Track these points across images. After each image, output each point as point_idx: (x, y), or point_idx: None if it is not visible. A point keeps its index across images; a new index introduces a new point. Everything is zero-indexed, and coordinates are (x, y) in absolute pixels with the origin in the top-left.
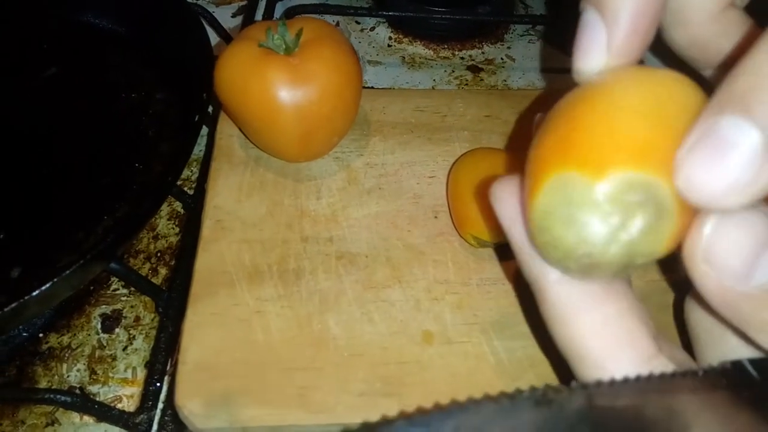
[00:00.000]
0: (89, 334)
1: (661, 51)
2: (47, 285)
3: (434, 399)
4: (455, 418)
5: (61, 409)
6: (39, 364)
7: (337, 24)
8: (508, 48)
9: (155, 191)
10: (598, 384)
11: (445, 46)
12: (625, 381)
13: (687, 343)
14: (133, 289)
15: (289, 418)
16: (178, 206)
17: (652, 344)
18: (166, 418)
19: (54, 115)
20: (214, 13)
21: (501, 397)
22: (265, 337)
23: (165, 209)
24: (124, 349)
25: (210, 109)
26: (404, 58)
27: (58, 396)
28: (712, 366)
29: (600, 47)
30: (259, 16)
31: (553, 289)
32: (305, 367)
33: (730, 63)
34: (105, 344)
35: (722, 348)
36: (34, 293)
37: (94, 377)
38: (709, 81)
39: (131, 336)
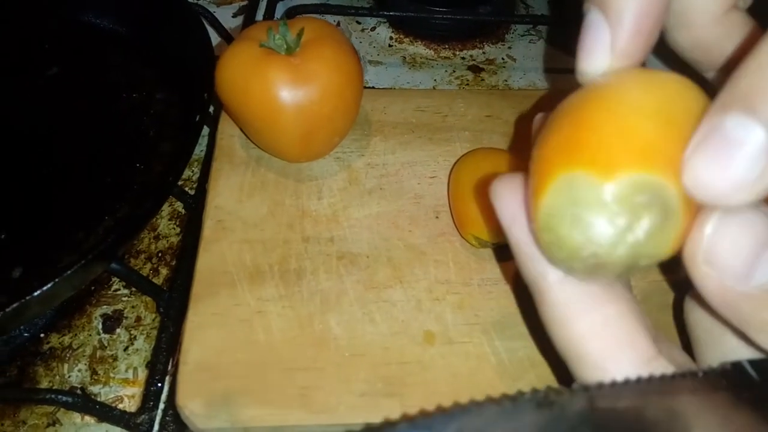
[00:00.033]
0: (90, 335)
1: (664, 53)
2: (48, 285)
3: (436, 399)
4: (457, 421)
5: (62, 409)
6: (40, 364)
7: (338, 24)
8: (509, 48)
9: (156, 191)
10: (599, 386)
11: (446, 46)
12: (626, 383)
13: (687, 343)
14: (134, 289)
15: (290, 418)
16: (179, 206)
17: (651, 346)
18: (167, 418)
19: (55, 114)
20: (215, 13)
21: (503, 399)
22: (267, 338)
23: (166, 209)
24: (125, 349)
25: (211, 109)
26: (405, 58)
27: (60, 396)
28: (712, 367)
29: (604, 48)
30: (260, 16)
31: (552, 290)
32: (306, 368)
33: (731, 65)
34: (106, 344)
35: (722, 348)
36: (36, 293)
37: (96, 377)
38: (711, 83)
39: (132, 336)
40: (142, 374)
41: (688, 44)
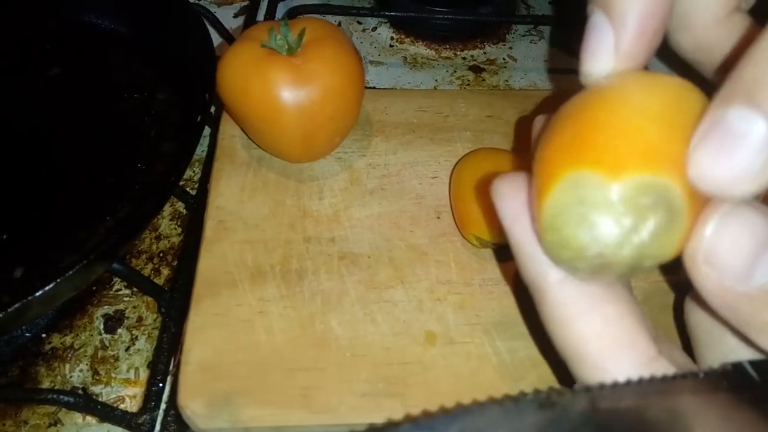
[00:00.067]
0: (92, 335)
1: (665, 55)
2: (50, 285)
3: (437, 399)
4: (460, 421)
5: (63, 409)
6: (42, 364)
7: (339, 24)
8: (510, 48)
9: (157, 192)
10: (601, 386)
11: (447, 47)
12: (627, 383)
13: (687, 344)
14: (135, 289)
15: (291, 418)
16: (180, 207)
17: (652, 346)
18: (168, 418)
19: (56, 115)
20: (216, 14)
21: (505, 399)
22: (268, 338)
23: (167, 210)
24: (127, 349)
25: (212, 109)
26: (406, 58)
27: (61, 396)
28: (713, 368)
29: (608, 50)
30: (261, 16)
31: (553, 290)
32: (308, 368)
33: (729, 64)
34: (108, 345)
35: (721, 349)
36: (37, 294)
37: (97, 377)
38: (714, 85)
39: (134, 336)
40: (144, 374)
41: (690, 46)
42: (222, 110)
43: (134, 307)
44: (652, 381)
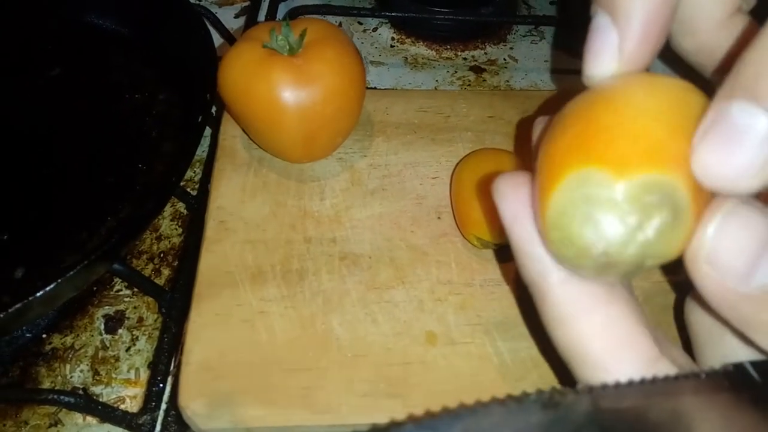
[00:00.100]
0: (92, 335)
1: (667, 56)
2: (51, 286)
3: (438, 400)
4: (463, 421)
5: (64, 409)
6: (42, 364)
7: (340, 24)
8: (511, 49)
9: (158, 192)
10: (604, 386)
11: (448, 47)
12: (630, 383)
13: (687, 343)
14: (136, 289)
15: (292, 418)
16: (181, 207)
17: (653, 347)
18: (169, 418)
19: (57, 115)
20: (217, 14)
21: (508, 399)
22: (269, 338)
23: (168, 210)
24: (127, 349)
25: (213, 109)
26: (407, 58)
27: (62, 397)
28: (715, 368)
29: (611, 52)
30: (262, 16)
31: (554, 290)
32: (309, 368)
33: (727, 63)
34: (108, 345)
35: (721, 349)
36: (38, 294)
37: (97, 378)
38: (716, 87)
39: (134, 337)
40: (144, 375)
41: (693, 49)
42: (223, 110)
43: (135, 307)
44: (654, 381)
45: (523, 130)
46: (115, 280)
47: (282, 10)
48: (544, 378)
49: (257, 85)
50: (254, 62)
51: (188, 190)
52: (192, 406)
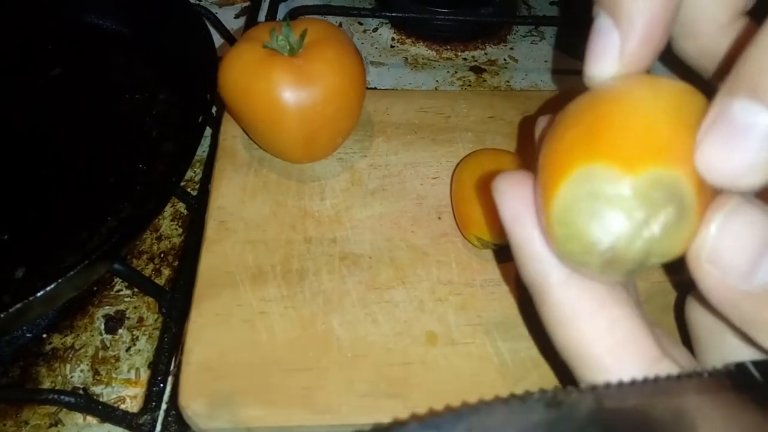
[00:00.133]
0: (92, 335)
1: (667, 58)
2: (51, 286)
3: (438, 400)
4: (466, 420)
5: (64, 409)
6: (42, 364)
7: (340, 25)
8: (511, 49)
9: (159, 192)
10: (607, 386)
11: (448, 47)
12: (633, 383)
13: (687, 343)
14: (136, 289)
15: (293, 418)
16: (181, 207)
17: (656, 347)
18: (169, 418)
19: (58, 115)
20: (217, 14)
21: (511, 398)
22: (269, 338)
23: (168, 210)
24: (128, 349)
25: (213, 109)
26: (407, 59)
27: (62, 396)
28: (717, 368)
29: (613, 54)
30: (262, 17)
31: (554, 291)
32: (309, 368)
33: (726, 63)
34: (108, 345)
35: (722, 348)
36: (39, 294)
37: (98, 378)
38: (716, 89)
39: (134, 337)
40: (145, 375)
41: (695, 52)
42: (223, 111)
43: (135, 307)
44: (657, 381)
45: (524, 129)
46: (116, 280)
47: (282, 11)
48: (544, 378)
49: (257, 85)
50: (254, 62)
51: (188, 190)
52: (192, 406)
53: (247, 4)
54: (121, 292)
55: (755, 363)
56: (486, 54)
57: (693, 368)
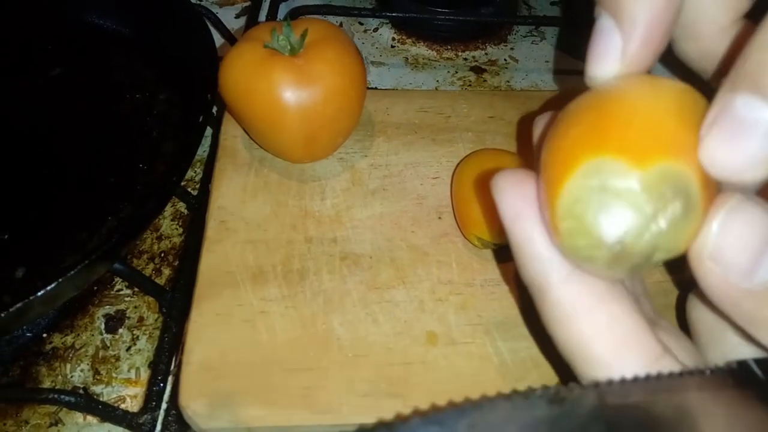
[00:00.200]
0: (93, 335)
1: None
2: (51, 285)
3: (439, 400)
4: (470, 416)
5: (64, 409)
6: (43, 364)
7: (341, 25)
8: (512, 49)
9: (159, 192)
10: (610, 383)
11: (449, 47)
12: (635, 380)
13: None
14: (136, 289)
15: (293, 418)
16: (181, 207)
17: (657, 344)
18: (169, 418)
19: (58, 115)
20: (217, 14)
21: (514, 395)
22: (270, 338)
23: (169, 210)
24: (128, 349)
25: (214, 109)
26: (407, 59)
27: (62, 396)
28: (719, 366)
29: (614, 54)
30: (262, 17)
31: (555, 289)
32: (309, 368)
33: (725, 64)
34: (108, 344)
35: (724, 346)
36: (39, 294)
37: (98, 377)
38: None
39: (135, 336)
40: (145, 374)
41: (696, 54)
42: (224, 110)
43: (135, 307)
44: (660, 378)
45: (524, 129)
46: (116, 279)
47: (283, 11)
48: (545, 378)
49: (258, 85)
50: (255, 62)
51: (189, 190)
52: (192, 405)
53: (247, 3)
54: (121, 292)
55: (757, 360)
56: (486, 54)
57: (695, 365)
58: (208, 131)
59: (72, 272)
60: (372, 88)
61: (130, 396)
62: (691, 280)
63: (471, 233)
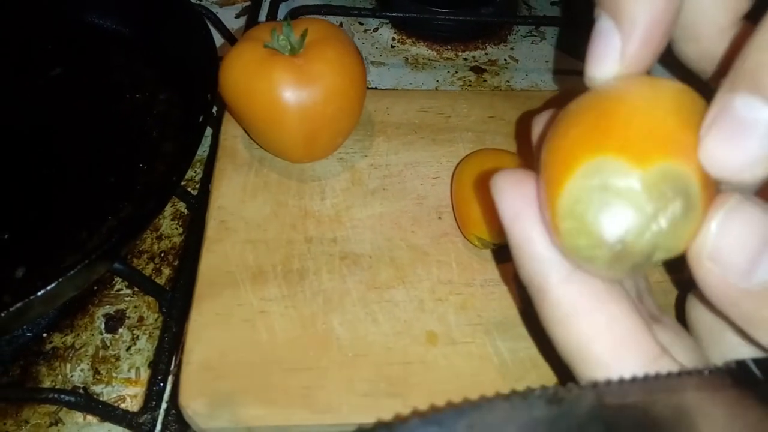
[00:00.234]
0: (93, 334)
1: (667, 60)
2: (52, 285)
3: (438, 399)
4: (468, 416)
5: (64, 408)
6: (43, 364)
7: (341, 25)
8: (511, 49)
9: (159, 191)
10: (608, 383)
11: (449, 47)
12: (633, 380)
13: None
14: (136, 289)
15: (293, 418)
16: (181, 207)
17: (655, 344)
18: (169, 418)
19: (58, 115)
20: (217, 14)
21: (512, 395)
22: (269, 337)
23: (169, 210)
24: (128, 349)
25: (214, 109)
26: (407, 59)
27: (62, 396)
28: (718, 366)
29: (614, 55)
30: (262, 17)
31: (554, 290)
32: (309, 367)
33: (724, 64)
34: (108, 344)
35: (722, 346)
36: (39, 293)
37: (98, 377)
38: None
39: (135, 336)
40: (145, 374)
41: (695, 55)
42: (224, 110)
43: (135, 306)
44: (658, 378)
45: (523, 129)
46: (116, 279)
47: (283, 10)
48: (544, 378)
49: (258, 84)
50: (255, 62)
51: (189, 189)
52: (192, 405)
53: (247, 3)
54: (121, 292)
55: (756, 360)
56: (486, 54)
57: (696, 363)
58: (208, 131)
59: (72, 272)
60: (372, 88)
61: (130, 396)
62: (691, 280)
63: (471, 233)
